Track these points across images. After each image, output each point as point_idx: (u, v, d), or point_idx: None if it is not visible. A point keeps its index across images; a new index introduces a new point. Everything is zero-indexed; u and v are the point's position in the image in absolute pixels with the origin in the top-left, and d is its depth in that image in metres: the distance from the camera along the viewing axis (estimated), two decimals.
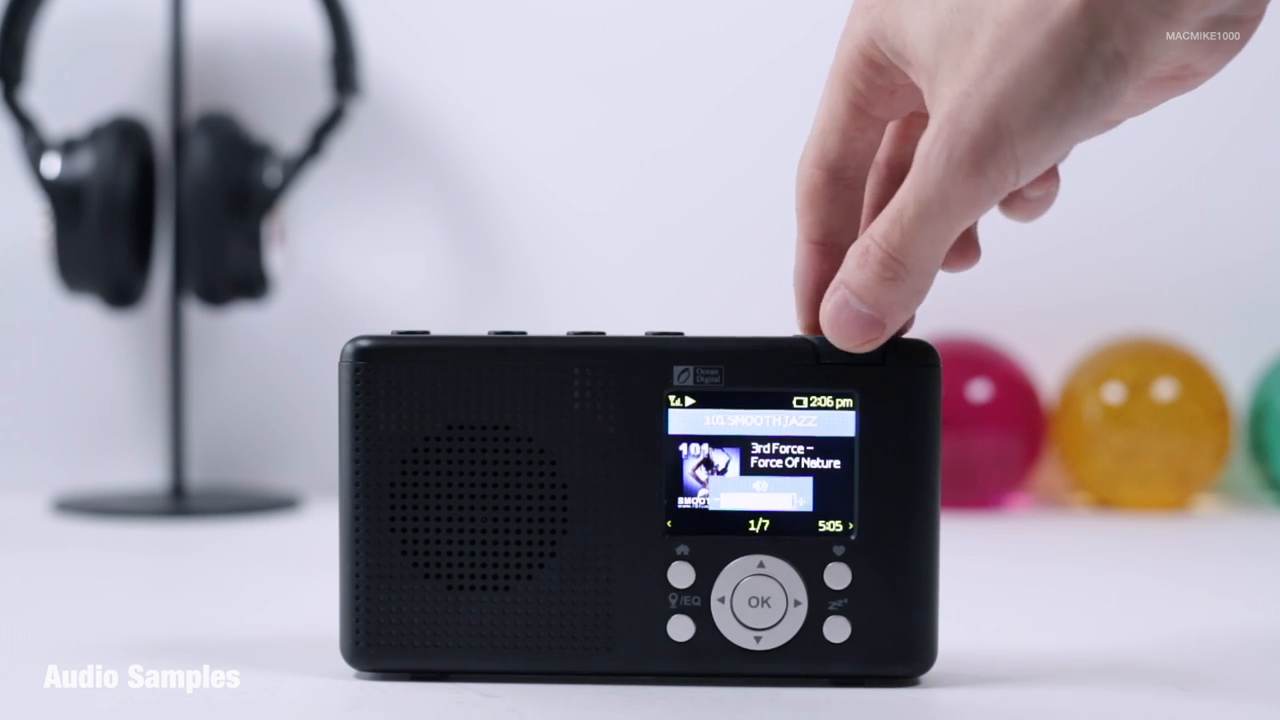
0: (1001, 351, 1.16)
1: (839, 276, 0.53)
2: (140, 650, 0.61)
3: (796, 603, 0.55)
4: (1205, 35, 0.49)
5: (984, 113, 0.49)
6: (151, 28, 1.19)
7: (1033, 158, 0.49)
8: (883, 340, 0.54)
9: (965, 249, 0.56)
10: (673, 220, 1.23)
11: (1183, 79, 0.52)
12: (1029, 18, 0.48)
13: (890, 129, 0.57)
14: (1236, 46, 0.50)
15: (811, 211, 0.56)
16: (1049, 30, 0.48)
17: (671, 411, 0.56)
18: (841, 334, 0.53)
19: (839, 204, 0.56)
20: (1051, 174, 0.55)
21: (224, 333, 1.23)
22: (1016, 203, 0.56)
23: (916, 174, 0.50)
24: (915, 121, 0.56)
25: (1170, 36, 0.48)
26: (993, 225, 0.57)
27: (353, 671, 0.57)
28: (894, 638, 0.55)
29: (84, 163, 1.08)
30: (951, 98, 0.49)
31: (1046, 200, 0.56)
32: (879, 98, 0.54)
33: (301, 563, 0.90)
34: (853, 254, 0.53)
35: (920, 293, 0.52)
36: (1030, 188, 0.55)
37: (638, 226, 1.24)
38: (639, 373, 0.56)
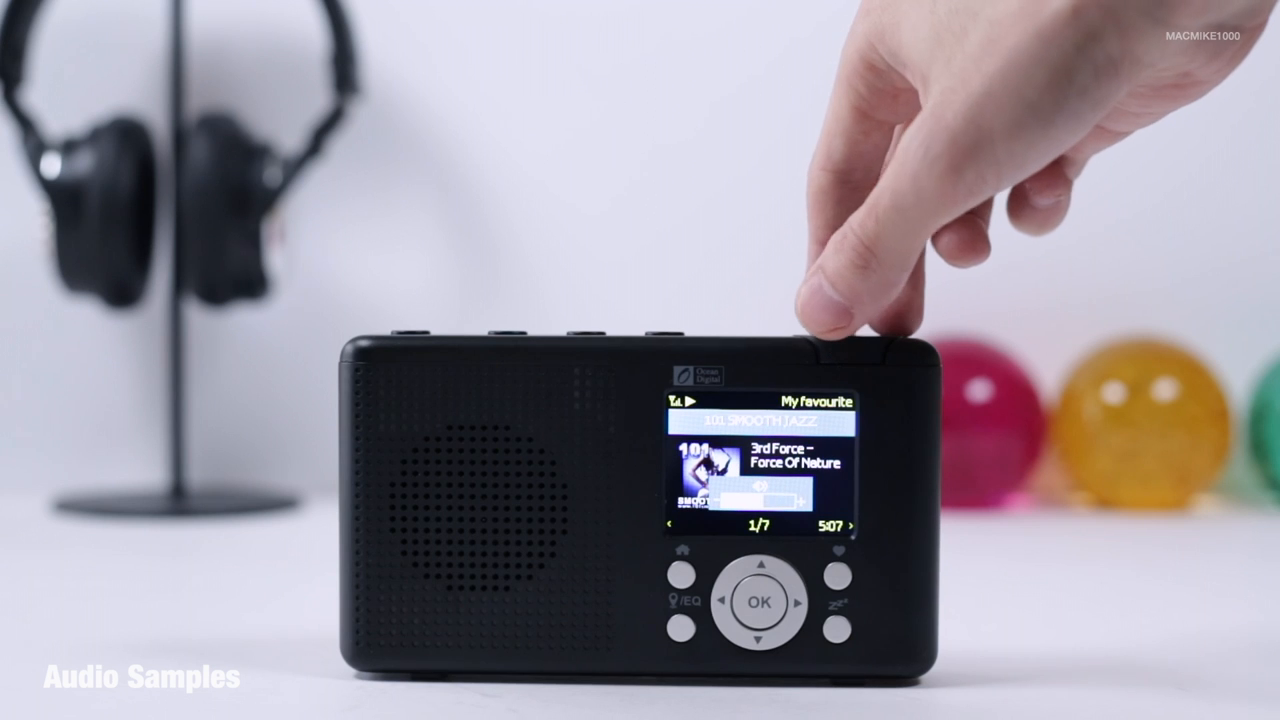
0: (1001, 351, 1.15)
1: (818, 262, 0.53)
2: (140, 650, 0.61)
3: (796, 603, 0.55)
4: (1205, 36, 0.49)
5: (966, 110, 0.49)
6: (151, 28, 1.19)
7: (1015, 160, 0.49)
8: (850, 330, 0.54)
9: (975, 243, 0.55)
10: (673, 220, 1.23)
11: (1185, 87, 0.51)
12: (1020, 18, 0.48)
13: (897, 132, 0.57)
14: (1238, 54, 0.50)
15: (820, 213, 0.56)
16: (1038, 31, 0.47)
17: (671, 411, 0.56)
18: (811, 319, 0.54)
19: (846, 206, 0.56)
20: (1061, 182, 0.55)
21: (224, 333, 1.23)
22: (1025, 212, 0.55)
23: (895, 165, 0.50)
24: None
25: (1170, 37, 0.48)
26: (993, 225, 0.57)
27: (353, 671, 0.57)
28: (894, 638, 0.55)
29: (84, 163, 1.08)
30: (938, 93, 0.49)
31: (1057, 211, 0.55)
32: (881, 102, 0.54)
33: (301, 563, 0.90)
34: (832, 241, 0.53)
35: (891, 285, 0.52)
36: (1038, 195, 0.55)
37: (638, 226, 1.24)
38: (639, 373, 0.56)
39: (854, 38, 0.54)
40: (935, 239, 0.55)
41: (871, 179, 0.56)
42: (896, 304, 0.56)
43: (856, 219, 0.52)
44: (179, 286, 1.13)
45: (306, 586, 0.79)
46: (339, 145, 1.16)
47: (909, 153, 0.50)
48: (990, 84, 0.48)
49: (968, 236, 0.55)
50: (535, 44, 1.24)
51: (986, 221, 0.56)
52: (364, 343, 0.56)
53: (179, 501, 1.12)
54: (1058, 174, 0.55)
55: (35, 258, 1.13)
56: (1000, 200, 0.56)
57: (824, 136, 0.56)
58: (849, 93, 0.54)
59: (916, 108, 0.54)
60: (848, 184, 0.56)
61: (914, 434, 0.55)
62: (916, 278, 0.56)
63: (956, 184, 0.49)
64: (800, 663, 0.56)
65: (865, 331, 0.56)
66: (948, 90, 0.49)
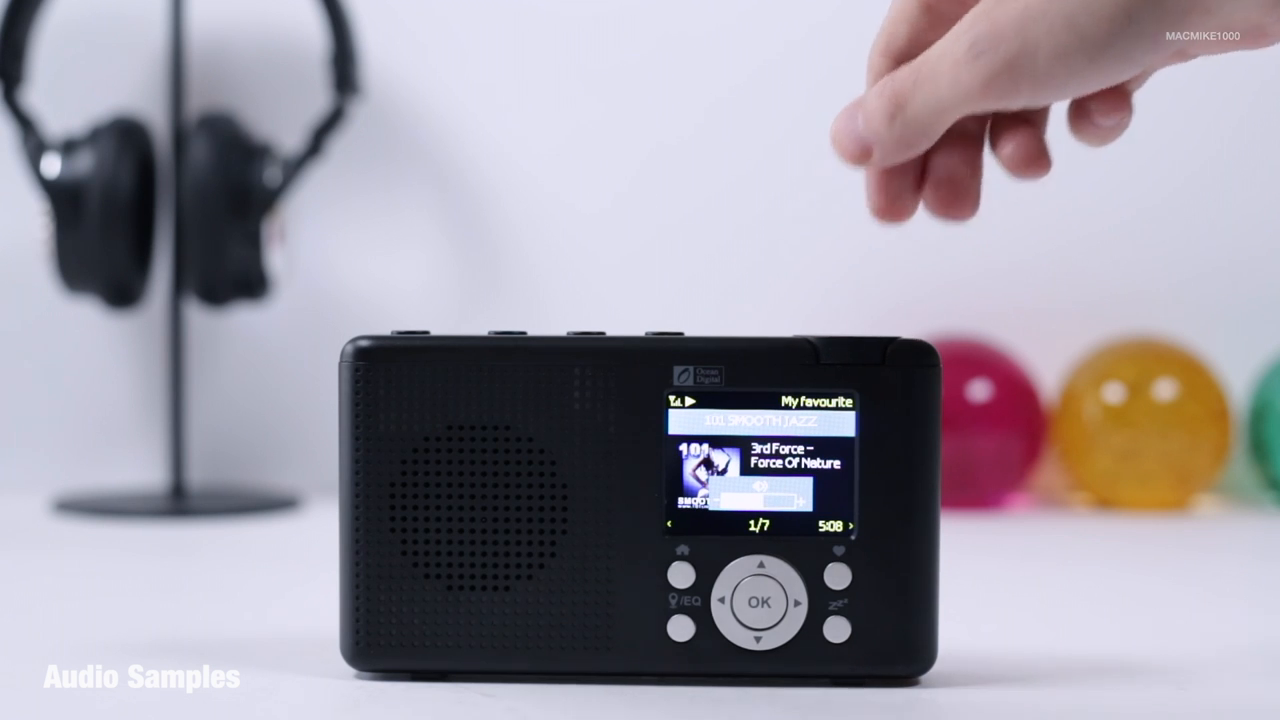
0: (1001, 351, 1.15)
1: (863, 94, 0.54)
2: (140, 650, 0.61)
3: (796, 603, 0.55)
4: None
5: (1018, 19, 0.48)
6: (151, 28, 1.19)
7: (1055, 81, 0.49)
8: (865, 165, 0.53)
9: (1037, 157, 0.54)
10: (672, 220, 1.23)
11: (1255, 38, 0.50)
12: None
13: None
14: None
15: None
16: None
17: (671, 411, 0.56)
18: (837, 141, 0.54)
19: None
20: (1124, 103, 0.53)
21: (224, 333, 1.23)
22: (1086, 128, 0.54)
23: (944, 43, 0.50)
24: None
25: None
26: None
27: (353, 671, 0.57)
28: (894, 638, 0.55)
29: (84, 163, 1.08)
30: None
31: (1118, 129, 0.54)
32: None
33: (301, 563, 0.90)
34: (881, 80, 0.53)
35: (911, 144, 0.52)
36: (1100, 115, 0.54)
37: (638, 226, 1.24)
38: (639, 373, 0.56)
39: None
40: (997, 148, 0.54)
41: None
42: (954, 188, 0.55)
43: (903, 70, 0.52)
44: (179, 286, 1.13)
45: (306, 586, 0.79)
46: (339, 145, 1.16)
47: (958, 40, 0.50)
48: (1045, 2, 0.48)
49: (1032, 150, 0.54)
50: (535, 43, 1.24)
51: (1044, 130, 0.55)
52: (364, 343, 0.56)
53: (179, 501, 1.12)
54: (1121, 93, 0.53)
55: (35, 258, 1.13)
56: (1057, 119, 0.55)
57: (887, 22, 0.55)
58: None
59: None
60: None
61: (914, 434, 0.55)
62: (975, 165, 0.55)
63: (990, 86, 0.49)
64: (800, 663, 0.56)
65: (868, 330, 0.56)
66: None
